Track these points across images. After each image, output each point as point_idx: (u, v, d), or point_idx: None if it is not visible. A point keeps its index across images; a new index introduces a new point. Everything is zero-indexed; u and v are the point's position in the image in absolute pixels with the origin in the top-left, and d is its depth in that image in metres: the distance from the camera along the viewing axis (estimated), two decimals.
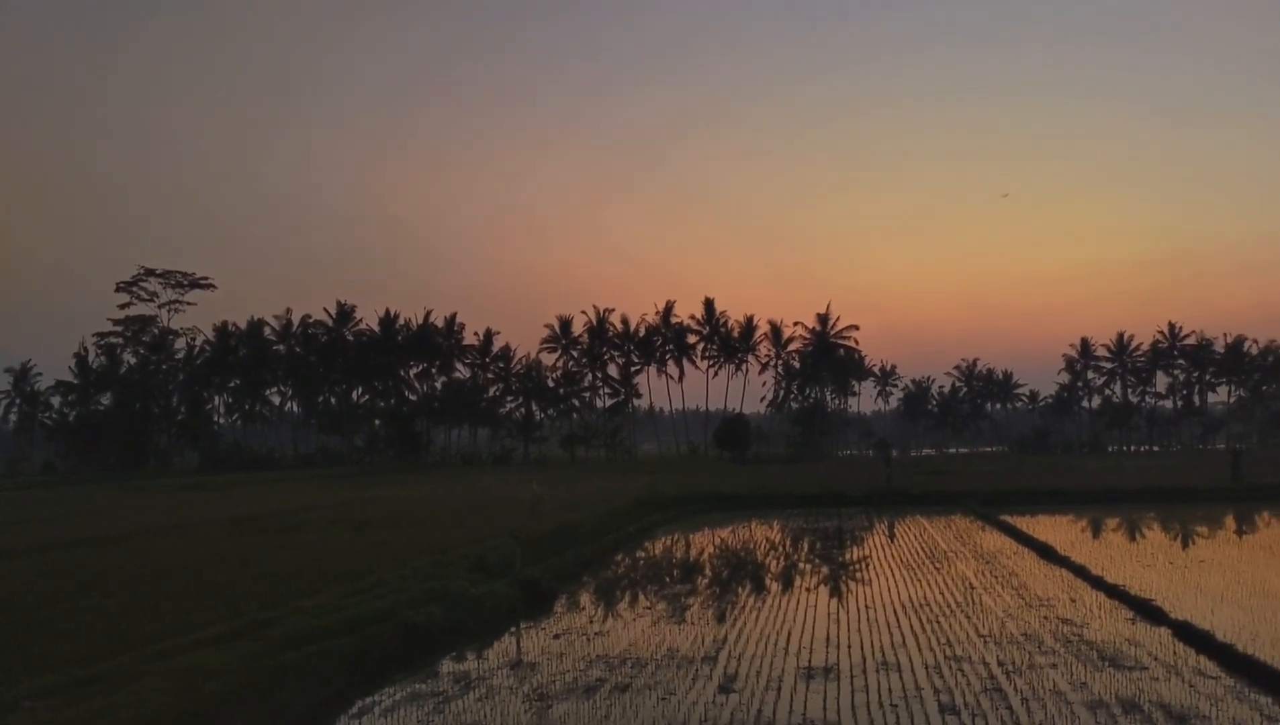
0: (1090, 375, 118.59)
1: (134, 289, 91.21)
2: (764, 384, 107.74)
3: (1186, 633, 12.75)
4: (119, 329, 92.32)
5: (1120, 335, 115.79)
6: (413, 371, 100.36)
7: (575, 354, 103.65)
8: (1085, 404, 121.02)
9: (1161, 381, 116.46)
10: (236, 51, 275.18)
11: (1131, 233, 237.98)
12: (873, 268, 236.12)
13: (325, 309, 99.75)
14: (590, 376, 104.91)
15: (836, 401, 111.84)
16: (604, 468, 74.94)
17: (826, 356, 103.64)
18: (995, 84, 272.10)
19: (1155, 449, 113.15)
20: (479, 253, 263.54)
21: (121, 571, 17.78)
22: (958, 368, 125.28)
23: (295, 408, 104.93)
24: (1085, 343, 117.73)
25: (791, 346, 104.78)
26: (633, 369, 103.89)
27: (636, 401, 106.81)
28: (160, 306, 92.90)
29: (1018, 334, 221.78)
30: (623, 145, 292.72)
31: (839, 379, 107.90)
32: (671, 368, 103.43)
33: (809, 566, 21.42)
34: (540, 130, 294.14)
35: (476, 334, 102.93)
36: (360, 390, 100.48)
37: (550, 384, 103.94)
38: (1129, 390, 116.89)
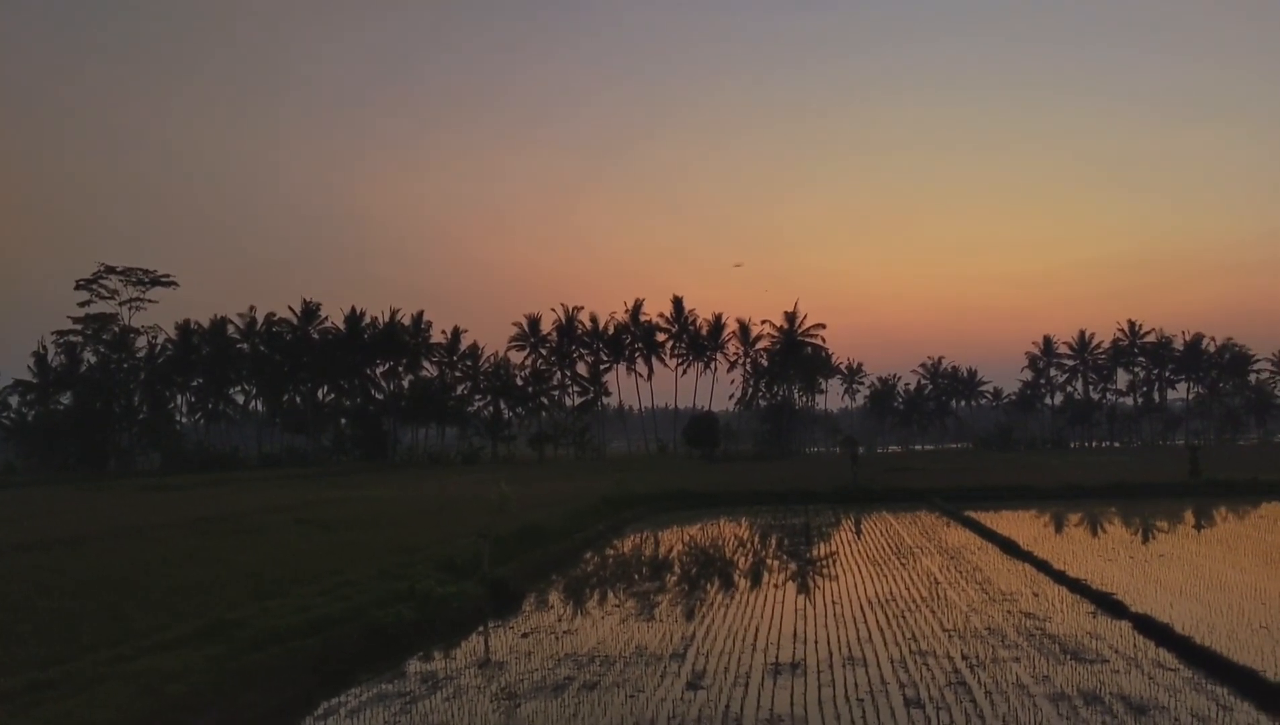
0: (1053, 373, 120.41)
1: (94, 286, 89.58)
2: (733, 382, 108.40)
3: (1146, 626, 12.97)
4: (79, 327, 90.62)
5: (1082, 333, 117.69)
6: (379, 370, 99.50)
7: (544, 352, 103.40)
8: (1048, 401, 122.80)
9: (1122, 379, 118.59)
10: (201, 45, 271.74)
11: (1094, 233, 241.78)
12: (839, 267, 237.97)
13: (290, 307, 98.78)
14: (559, 375, 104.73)
15: (804, 399, 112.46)
16: (573, 466, 74.83)
17: (794, 354, 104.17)
18: (962, 82, 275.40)
19: (1116, 445, 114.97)
20: (446, 250, 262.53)
21: (82, 573, 17.47)
22: (923, 366, 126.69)
23: (260, 407, 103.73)
24: (1048, 341, 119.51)
25: (760, 345, 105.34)
26: (602, 367, 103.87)
27: (605, 400, 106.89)
28: (121, 304, 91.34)
29: (982, 332, 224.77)
30: (591, 143, 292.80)
31: (806, 377, 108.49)
32: (641, 366, 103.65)
33: (777, 563, 21.53)
34: (508, 128, 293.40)
35: (444, 332, 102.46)
36: (326, 389, 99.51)
37: (519, 382, 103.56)
38: (1090, 387, 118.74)
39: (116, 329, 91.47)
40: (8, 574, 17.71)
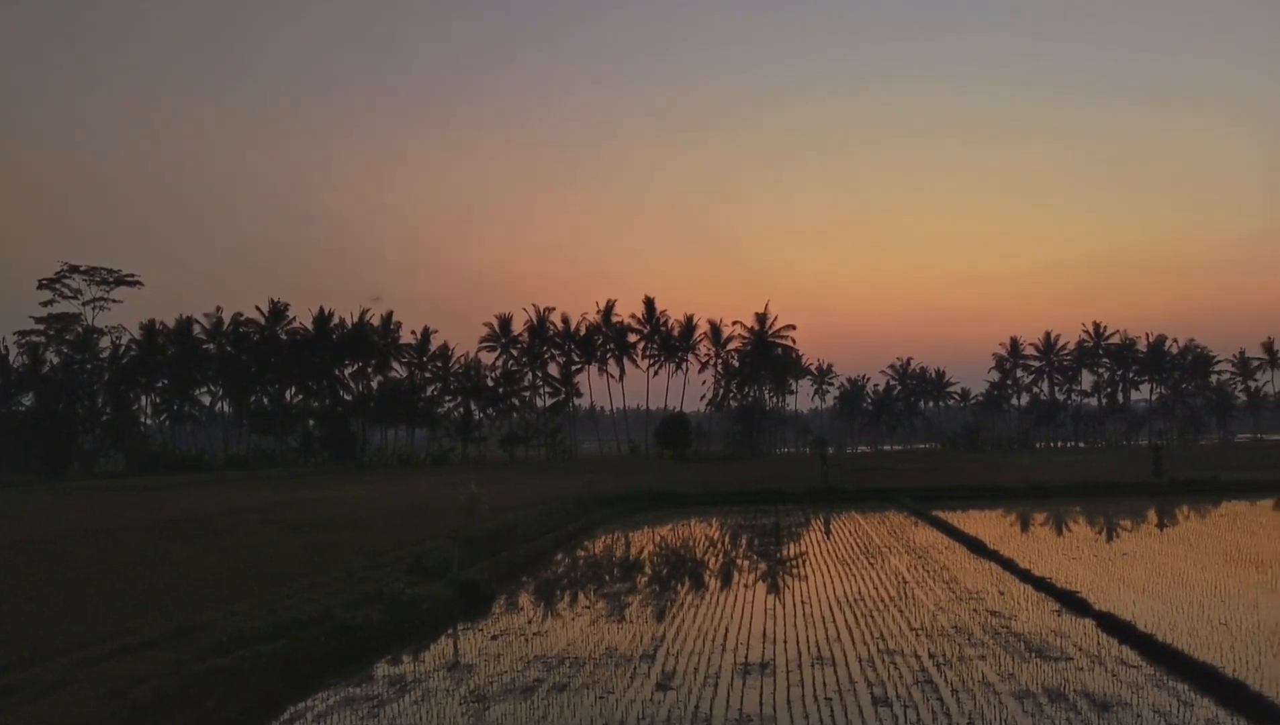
0: (1019, 374, 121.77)
1: (57, 286, 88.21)
2: (704, 383, 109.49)
3: (1110, 623, 13.16)
4: (41, 327, 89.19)
5: (1048, 335, 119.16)
6: (348, 371, 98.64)
7: (515, 353, 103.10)
8: (1015, 402, 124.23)
9: (1087, 380, 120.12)
10: (169, 41, 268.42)
11: (1061, 235, 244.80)
12: (809, 267, 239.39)
13: (258, 307, 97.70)
14: (530, 376, 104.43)
15: (775, 400, 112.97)
16: (544, 467, 74.67)
17: (765, 355, 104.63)
18: (930, 83, 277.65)
19: (1081, 445, 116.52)
20: (417, 251, 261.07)
21: (46, 576, 17.22)
22: (892, 367, 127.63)
23: (226, 408, 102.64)
24: (1015, 342, 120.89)
25: (731, 346, 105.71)
26: (573, 368, 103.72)
27: (577, 401, 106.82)
28: (84, 304, 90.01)
29: (950, 334, 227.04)
30: (563, 143, 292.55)
31: (777, 378, 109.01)
32: (612, 367, 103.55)
33: (747, 563, 21.61)
34: (480, 128, 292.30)
35: (414, 333, 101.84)
36: (294, 390, 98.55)
37: (489, 383, 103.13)
38: (1056, 388, 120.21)
39: (80, 329, 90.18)
40: None
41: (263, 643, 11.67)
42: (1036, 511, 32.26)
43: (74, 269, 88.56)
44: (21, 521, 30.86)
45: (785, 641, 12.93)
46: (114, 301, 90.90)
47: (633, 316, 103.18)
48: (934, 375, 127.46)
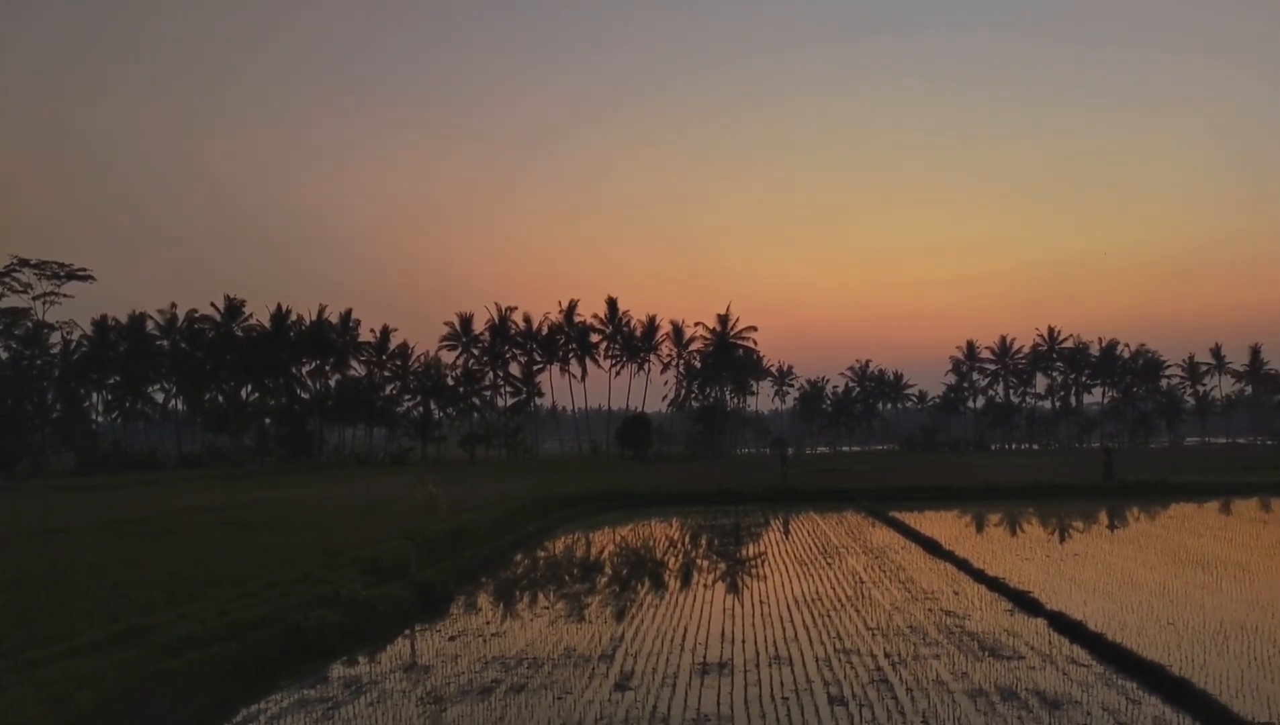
0: (975, 376, 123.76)
1: (6, 280, 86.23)
2: (666, 383, 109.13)
3: (1061, 623, 13.37)
4: None
5: (1003, 338, 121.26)
6: (305, 369, 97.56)
7: (476, 352, 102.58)
8: (971, 404, 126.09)
9: (1041, 383, 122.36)
10: (123, 29, 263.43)
11: (1016, 240, 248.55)
12: (768, 269, 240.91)
13: (213, 304, 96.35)
14: (491, 375, 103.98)
15: (735, 401, 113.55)
16: (504, 467, 74.34)
17: (726, 356, 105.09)
18: (892, 84, 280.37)
19: (1035, 447, 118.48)
20: (376, 247, 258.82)
21: None
22: (851, 369, 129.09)
23: (180, 406, 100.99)
24: (971, 346, 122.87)
25: (693, 346, 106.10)
26: (535, 368, 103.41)
27: (538, 400, 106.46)
28: (34, 299, 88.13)
29: (908, 337, 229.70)
30: (526, 142, 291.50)
31: (738, 379, 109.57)
32: (574, 367, 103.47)
33: (707, 563, 21.67)
34: (440, 124, 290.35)
35: (373, 331, 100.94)
36: (250, 388, 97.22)
37: (450, 382, 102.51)
38: (1011, 391, 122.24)
39: (29, 324, 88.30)
40: None
41: (215, 644, 11.48)
42: (991, 512, 32.72)
43: (24, 262, 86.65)
44: None
45: (744, 641, 12.97)
46: (65, 296, 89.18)
47: (595, 316, 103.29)
48: (892, 377, 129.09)
